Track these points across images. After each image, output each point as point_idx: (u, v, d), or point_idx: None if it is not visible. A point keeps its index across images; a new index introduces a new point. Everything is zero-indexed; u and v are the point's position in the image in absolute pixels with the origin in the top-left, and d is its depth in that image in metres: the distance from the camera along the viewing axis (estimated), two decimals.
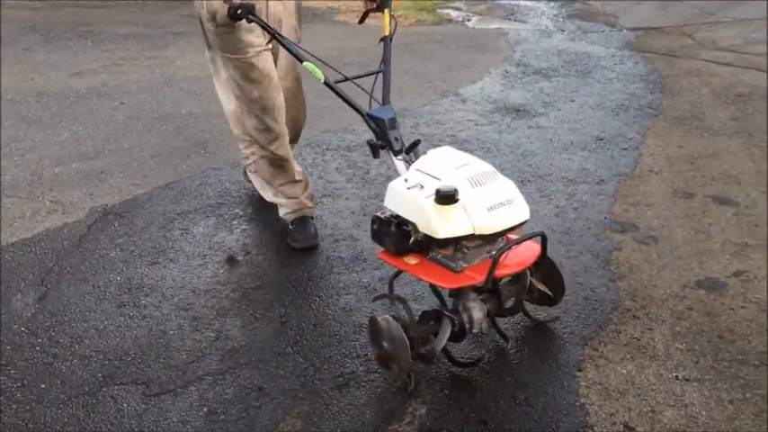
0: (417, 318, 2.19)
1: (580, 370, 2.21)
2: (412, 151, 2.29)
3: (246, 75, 2.65)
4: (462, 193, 1.98)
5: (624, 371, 2.21)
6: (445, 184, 1.99)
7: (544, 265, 2.27)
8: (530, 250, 2.17)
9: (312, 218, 3.01)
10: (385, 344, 2.11)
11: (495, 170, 2.11)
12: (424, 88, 4.70)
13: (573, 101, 4.41)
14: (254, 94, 2.68)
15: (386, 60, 2.44)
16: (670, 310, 2.48)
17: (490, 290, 2.17)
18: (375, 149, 2.31)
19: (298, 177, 2.95)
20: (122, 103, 4.58)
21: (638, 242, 2.89)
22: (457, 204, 1.96)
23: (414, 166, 2.15)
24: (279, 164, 2.89)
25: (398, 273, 2.24)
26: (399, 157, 2.26)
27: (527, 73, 4.92)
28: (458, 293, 2.16)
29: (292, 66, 2.87)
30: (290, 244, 2.95)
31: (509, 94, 4.56)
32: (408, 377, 2.15)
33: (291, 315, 2.53)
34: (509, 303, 2.22)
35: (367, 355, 2.29)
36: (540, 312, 2.43)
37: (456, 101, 4.48)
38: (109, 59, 5.46)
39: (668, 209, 3.12)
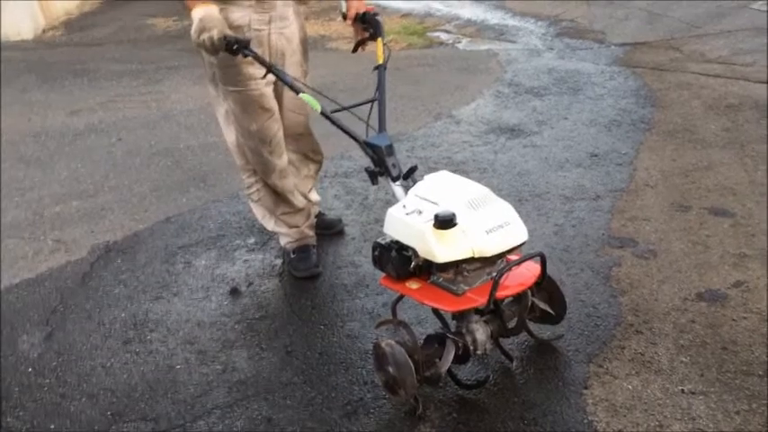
0: (421, 341, 2.20)
1: (586, 387, 2.22)
2: (410, 177, 2.32)
3: (245, 107, 2.68)
4: (460, 217, 2.00)
5: (630, 386, 2.22)
6: (443, 208, 2.02)
7: (545, 285, 2.28)
8: (530, 270, 2.19)
9: (313, 246, 3.03)
10: (390, 369, 2.12)
11: (491, 192, 2.14)
12: (418, 112, 4.74)
13: (566, 118, 4.46)
14: (253, 126, 2.71)
15: (381, 88, 2.48)
16: (672, 324, 2.49)
17: (492, 311, 2.18)
18: (373, 176, 2.35)
19: (300, 206, 2.98)
20: (120, 140, 4.62)
21: (637, 257, 2.91)
22: (455, 228, 1.99)
23: (411, 191, 2.18)
24: (278, 194, 2.92)
25: (401, 298, 2.26)
26: (398, 183, 2.29)
27: (519, 92, 4.96)
28: (460, 316, 2.18)
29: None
30: (291, 273, 2.96)
31: (502, 114, 4.61)
32: (416, 401, 2.16)
33: (297, 344, 2.55)
34: (512, 324, 2.24)
35: (374, 381, 2.29)
36: (544, 331, 2.45)
37: (450, 123, 4.52)
38: (105, 97, 5.51)
39: (665, 222, 3.15)
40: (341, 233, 3.27)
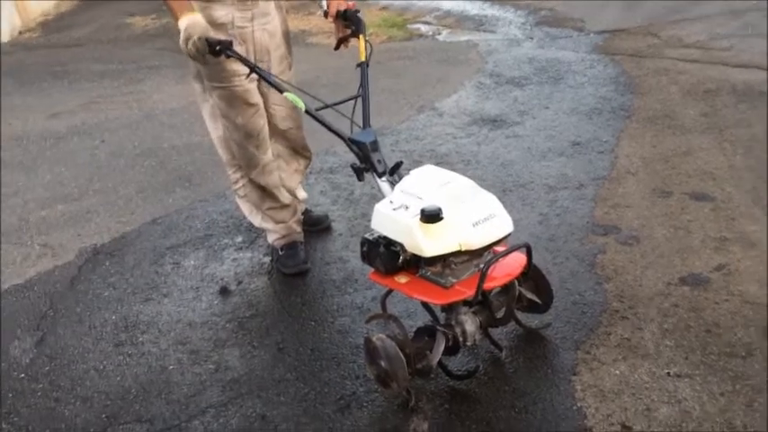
0: (412, 335, 2.23)
1: (575, 374, 2.26)
2: (396, 172, 2.35)
3: (230, 102, 2.69)
4: (446, 210, 2.03)
5: (617, 371, 2.26)
6: (429, 203, 2.05)
7: (531, 274, 2.32)
8: (516, 261, 2.23)
9: (301, 243, 3.05)
10: (382, 363, 2.15)
11: (476, 185, 2.17)
12: (400, 105, 4.77)
13: (547, 108, 4.49)
14: (239, 120, 2.73)
15: (364, 85, 2.50)
16: (657, 309, 2.54)
17: (481, 302, 2.22)
18: (359, 173, 2.37)
19: (286, 202, 2.99)
20: (103, 141, 4.60)
21: (620, 243, 2.95)
22: (442, 222, 2.02)
23: (397, 187, 2.21)
24: (264, 189, 2.93)
25: (390, 292, 2.28)
26: (383, 179, 2.32)
27: (500, 83, 5.00)
28: (449, 308, 2.22)
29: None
30: (280, 270, 2.98)
31: (484, 105, 4.64)
32: (408, 393, 2.19)
33: (288, 341, 2.57)
34: (500, 314, 2.27)
35: (366, 375, 2.32)
36: (532, 320, 2.48)
37: (433, 115, 4.55)
38: (86, 98, 5.48)
39: (647, 209, 3.19)
40: (328, 229, 3.30)
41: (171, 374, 2.45)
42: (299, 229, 3.07)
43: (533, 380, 2.26)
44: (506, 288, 2.26)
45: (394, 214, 2.10)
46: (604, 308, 2.56)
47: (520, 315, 2.43)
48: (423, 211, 2.02)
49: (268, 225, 3.03)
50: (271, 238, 3.06)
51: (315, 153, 3.27)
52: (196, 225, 3.45)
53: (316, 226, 3.30)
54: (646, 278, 2.71)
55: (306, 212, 3.30)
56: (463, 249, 2.04)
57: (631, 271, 2.76)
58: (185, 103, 5.00)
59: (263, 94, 2.79)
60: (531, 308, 2.42)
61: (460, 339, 2.19)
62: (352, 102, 2.48)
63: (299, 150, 3.09)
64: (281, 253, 3.01)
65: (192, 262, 3.14)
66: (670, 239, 2.94)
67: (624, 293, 2.63)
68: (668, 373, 2.24)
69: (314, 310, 2.74)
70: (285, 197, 2.99)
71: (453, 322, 2.20)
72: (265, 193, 2.94)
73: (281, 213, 3.00)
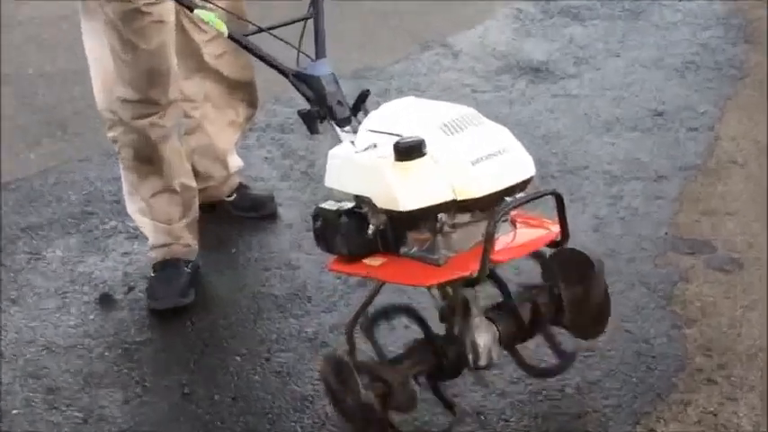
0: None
1: None
2: (361, 109, 2.36)
3: (131, 24, 2.69)
4: (433, 143, 2.05)
5: None
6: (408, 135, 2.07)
7: (580, 272, 2.33)
8: (544, 229, 2.27)
9: (187, 264, 2.97)
10: (347, 399, 2.18)
11: (478, 114, 2.20)
12: (395, 36, 4.76)
13: (618, 56, 4.50)
14: (142, 45, 2.72)
15: (315, 1, 2.53)
16: (761, 371, 2.54)
17: (499, 305, 2.25)
18: (310, 121, 2.38)
19: (188, 184, 2.95)
20: None
21: (714, 269, 2.96)
22: (425, 159, 2.03)
23: (363, 125, 2.23)
24: (149, 157, 2.88)
25: (359, 315, 2.29)
26: (347, 129, 2.33)
27: (550, 13, 5.00)
28: (451, 313, 2.23)
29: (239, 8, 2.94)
30: (149, 305, 2.91)
31: (523, 45, 4.64)
32: None
33: (198, 384, 2.56)
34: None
35: None
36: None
37: (444, 55, 4.54)
38: None
39: (758, 219, 3.20)
40: (272, 217, 3.29)
41: (15, 424, 2.43)
42: (190, 240, 2.99)
43: None
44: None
45: (357, 157, 2.12)
46: (682, 365, 2.57)
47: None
48: (397, 145, 2.03)
49: (144, 220, 2.97)
50: (149, 245, 3.02)
51: (260, 102, 3.26)
52: (69, 197, 3.44)
53: (254, 211, 3.30)
54: (748, 324, 2.72)
55: (240, 190, 3.30)
56: (460, 199, 2.04)
57: (727, 312, 2.77)
58: (67, 11, 4.95)
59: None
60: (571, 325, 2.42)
61: (470, 357, 2.20)
62: (300, 25, 2.49)
63: (240, 91, 3.09)
64: (152, 274, 2.97)
65: (60, 253, 3.13)
66: None
67: (714, 345, 2.64)
68: None
69: (242, 338, 2.73)
70: (184, 176, 2.95)
71: (457, 332, 2.21)
72: (146, 166, 2.91)
73: (168, 207, 2.95)
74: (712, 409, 2.42)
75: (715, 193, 3.37)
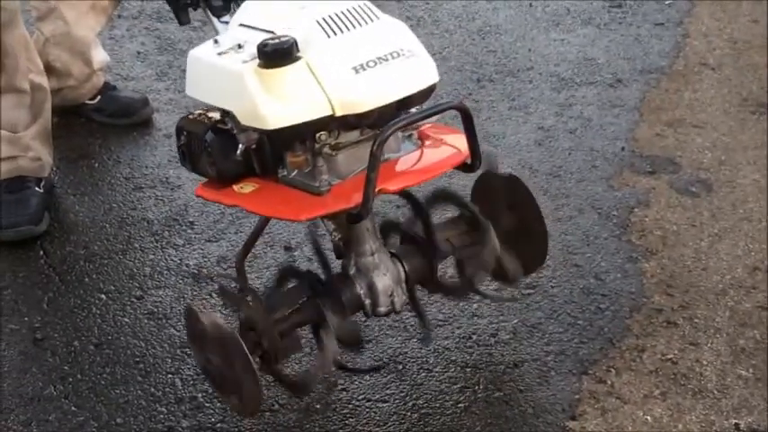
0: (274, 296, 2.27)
1: (574, 418, 2.32)
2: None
3: None
4: (308, 45, 2.04)
5: (649, 417, 2.32)
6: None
7: (513, 197, 2.37)
8: (455, 146, 2.25)
9: (39, 182, 2.98)
10: (213, 359, 2.18)
11: (373, 8, 2.16)
12: None
13: None
14: None
15: None
16: (729, 312, 2.60)
17: (413, 237, 2.27)
18: (179, 7, 2.37)
19: (23, 85, 2.92)
20: None
21: (678, 192, 3.01)
22: (297, 65, 2.02)
23: (235, 18, 2.21)
24: None
25: (250, 248, 2.30)
26: (226, 18, 2.32)
27: None
28: (346, 248, 2.25)
29: None
30: None
31: None
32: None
33: (53, 327, 2.57)
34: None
35: (196, 398, 2.34)
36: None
37: None
38: None
39: (731, 133, 3.25)
40: (146, 124, 3.28)
41: None
42: (41, 150, 2.98)
43: (502, 422, 2.30)
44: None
45: (217, 61, 2.10)
46: (638, 305, 2.62)
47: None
48: (262, 47, 2.01)
49: None
50: None
51: None
52: None
53: (124, 117, 3.30)
54: (716, 256, 2.78)
55: (105, 92, 3.28)
56: (340, 114, 2.04)
57: (692, 242, 2.83)
58: None
59: None
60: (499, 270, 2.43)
61: (366, 303, 2.23)
62: None
63: None
64: None
65: None
66: (764, 189, 3.02)
67: (675, 282, 2.69)
68: (737, 424, 2.31)
69: (107, 273, 2.75)
70: (34, 72, 2.93)
71: (352, 271, 2.24)
72: None
73: (14, 112, 2.91)
74: (671, 356, 2.48)
75: (681, 101, 3.42)
